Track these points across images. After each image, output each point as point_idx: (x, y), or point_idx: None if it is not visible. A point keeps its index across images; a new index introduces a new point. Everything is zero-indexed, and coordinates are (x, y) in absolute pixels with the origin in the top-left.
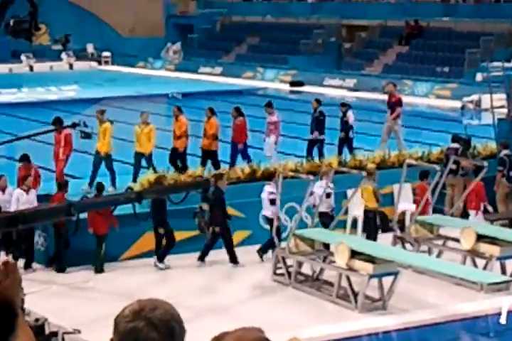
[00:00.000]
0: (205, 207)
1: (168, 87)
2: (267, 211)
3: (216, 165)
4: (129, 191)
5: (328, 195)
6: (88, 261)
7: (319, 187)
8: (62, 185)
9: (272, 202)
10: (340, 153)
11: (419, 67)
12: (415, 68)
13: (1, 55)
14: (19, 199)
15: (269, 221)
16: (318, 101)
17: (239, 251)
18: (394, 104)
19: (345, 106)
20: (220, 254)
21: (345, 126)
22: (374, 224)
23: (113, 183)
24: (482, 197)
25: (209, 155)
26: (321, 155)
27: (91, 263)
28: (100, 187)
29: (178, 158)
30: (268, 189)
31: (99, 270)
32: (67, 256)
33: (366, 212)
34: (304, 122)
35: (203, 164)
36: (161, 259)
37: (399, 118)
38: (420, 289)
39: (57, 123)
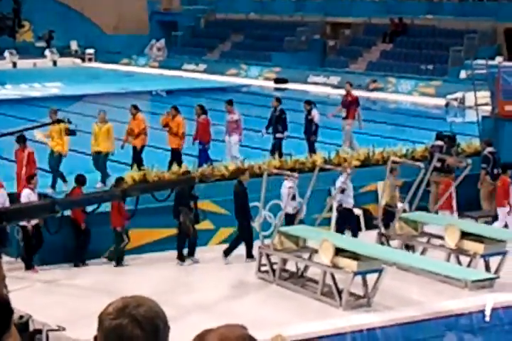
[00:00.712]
0: (191, 204)
1: (151, 83)
2: (289, 207)
3: (180, 163)
4: (113, 188)
5: (342, 191)
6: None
7: (340, 183)
8: (80, 181)
9: (292, 197)
10: (313, 152)
11: (403, 65)
12: (399, 66)
13: None
14: (30, 199)
15: (289, 217)
16: (278, 100)
17: (223, 248)
18: (350, 103)
19: (310, 104)
20: (203, 252)
21: (310, 125)
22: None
23: (53, 184)
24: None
25: (176, 154)
26: (279, 154)
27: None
28: (119, 181)
29: (136, 156)
30: (287, 184)
31: (119, 263)
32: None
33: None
34: (288, 119)
35: (172, 163)
36: (190, 254)
37: (354, 119)
38: (404, 286)
39: (21, 141)
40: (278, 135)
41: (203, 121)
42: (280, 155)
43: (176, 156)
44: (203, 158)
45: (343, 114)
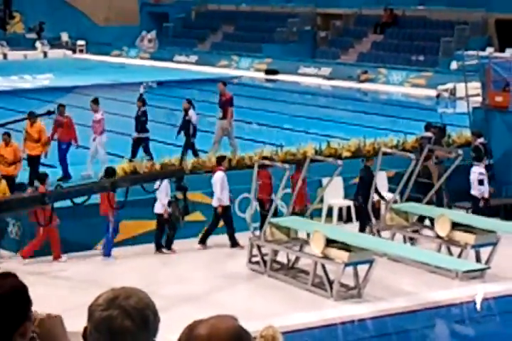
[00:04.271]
0: (180, 196)
1: (143, 75)
2: (475, 190)
3: (37, 172)
4: (103, 180)
5: (480, 182)
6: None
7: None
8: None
9: (480, 182)
10: (183, 155)
11: (394, 56)
12: (390, 57)
13: None
14: None
15: (474, 200)
16: (142, 101)
17: (212, 239)
18: (224, 103)
19: (189, 103)
20: (194, 243)
21: (188, 126)
22: None
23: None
24: None
25: (33, 161)
26: (147, 153)
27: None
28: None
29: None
30: (478, 170)
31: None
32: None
33: None
34: (278, 110)
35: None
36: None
37: (232, 118)
38: (395, 277)
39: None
40: (140, 135)
41: (67, 119)
42: (150, 157)
43: (35, 164)
44: (62, 160)
45: (220, 115)
